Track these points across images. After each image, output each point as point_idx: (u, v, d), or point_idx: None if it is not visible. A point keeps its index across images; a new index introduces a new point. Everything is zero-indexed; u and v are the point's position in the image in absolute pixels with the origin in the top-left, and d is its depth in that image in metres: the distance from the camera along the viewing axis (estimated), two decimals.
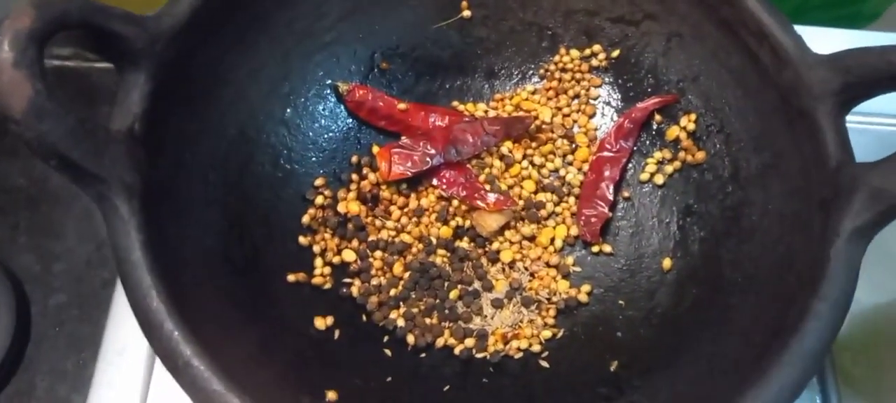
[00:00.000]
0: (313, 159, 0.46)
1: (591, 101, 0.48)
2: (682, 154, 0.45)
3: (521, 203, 0.46)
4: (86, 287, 0.51)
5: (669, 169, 0.46)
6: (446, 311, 0.43)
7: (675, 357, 0.38)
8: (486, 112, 0.49)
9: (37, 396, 0.48)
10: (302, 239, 0.44)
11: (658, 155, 0.46)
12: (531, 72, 0.49)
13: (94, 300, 0.50)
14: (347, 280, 0.44)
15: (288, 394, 0.34)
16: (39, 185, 0.55)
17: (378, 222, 0.46)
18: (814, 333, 0.32)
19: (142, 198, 0.33)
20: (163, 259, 0.32)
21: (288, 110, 0.45)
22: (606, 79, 0.48)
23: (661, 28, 0.45)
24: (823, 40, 0.37)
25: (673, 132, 0.46)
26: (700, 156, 0.44)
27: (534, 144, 0.48)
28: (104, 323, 0.47)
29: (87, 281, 0.51)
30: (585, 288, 0.44)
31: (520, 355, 0.42)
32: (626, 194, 0.47)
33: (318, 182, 0.45)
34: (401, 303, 0.43)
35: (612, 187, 0.46)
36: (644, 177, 0.46)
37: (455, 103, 0.49)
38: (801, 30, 0.38)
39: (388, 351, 0.42)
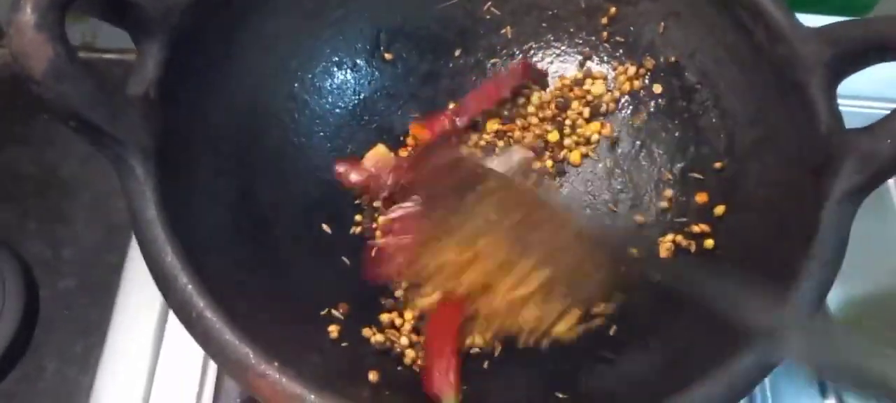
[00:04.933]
0: (321, 134, 0.47)
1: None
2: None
3: None
4: (94, 272, 0.52)
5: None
6: None
7: (674, 320, 0.39)
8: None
9: (45, 378, 0.48)
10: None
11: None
12: (532, 50, 0.50)
13: (101, 284, 0.51)
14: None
15: (297, 348, 0.35)
16: (49, 173, 0.56)
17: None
18: (807, 289, 0.33)
19: (156, 161, 0.34)
20: (175, 220, 0.33)
21: (296, 85, 0.46)
22: (605, 58, 0.49)
23: (658, 7, 0.46)
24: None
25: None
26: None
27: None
28: (112, 306, 0.48)
29: (95, 266, 0.52)
30: None
31: None
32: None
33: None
34: None
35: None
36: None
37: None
38: (798, 18, 0.39)
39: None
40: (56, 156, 0.56)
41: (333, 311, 0.41)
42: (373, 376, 0.38)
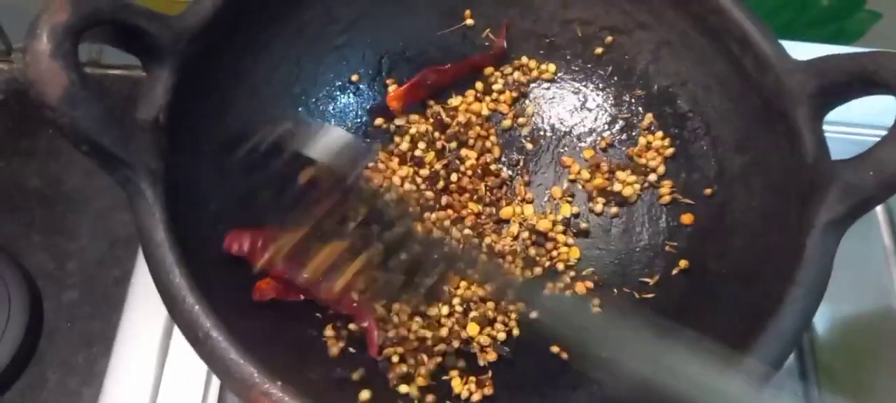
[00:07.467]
0: None
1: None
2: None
3: None
4: (98, 284, 0.53)
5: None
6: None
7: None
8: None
9: (48, 388, 0.49)
10: None
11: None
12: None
13: (105, 297, 0.52)
14: None
15: (300, 368, 0.36)
16: (54, 186, 0.57)
17: None
18: (790, 316, 0.34)
19: (165, 184, 0.35)
20: (183, 241, 0.34)
21: (300, 109, 0.47)
22: (600, 85, 0.50)
23: (651, 37, 0.47)
24: (809, 55, 0.39)
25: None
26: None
27: None
28: (117, 319, 0.48)
29: (99, 278, 0.53)
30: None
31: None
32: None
33: None
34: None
35: None
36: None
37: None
38: (789, 45, 0.40)
39: None
40: (60, 168, 0.57)
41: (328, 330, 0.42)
42: (364, 395, 0.39)
